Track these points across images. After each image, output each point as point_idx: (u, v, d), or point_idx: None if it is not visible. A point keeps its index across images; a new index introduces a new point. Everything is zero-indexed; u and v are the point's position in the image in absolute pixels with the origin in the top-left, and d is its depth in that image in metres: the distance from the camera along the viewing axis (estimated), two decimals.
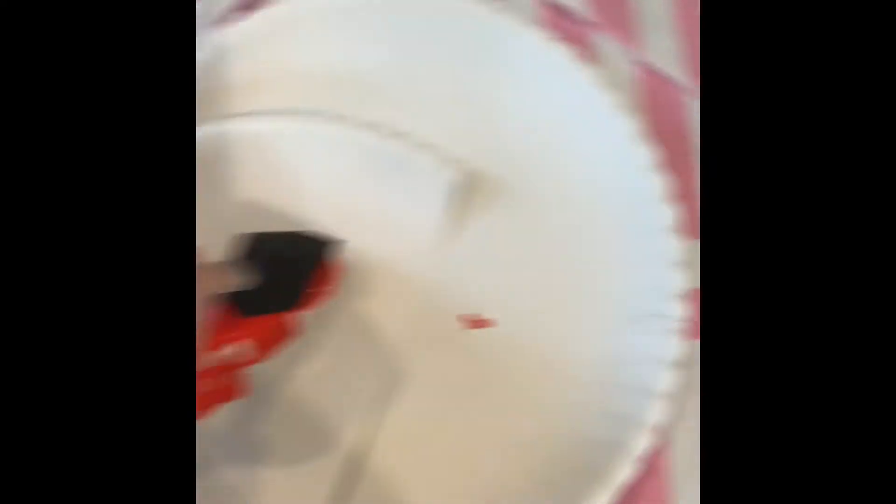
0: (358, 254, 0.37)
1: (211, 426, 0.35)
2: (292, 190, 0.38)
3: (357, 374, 0.37)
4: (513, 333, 0.37)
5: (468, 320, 0.37)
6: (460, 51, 0.40)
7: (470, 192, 0.38)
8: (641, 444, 0.34)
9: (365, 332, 0.37)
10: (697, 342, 0.35)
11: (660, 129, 0.38)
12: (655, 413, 0.34)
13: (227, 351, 0.32)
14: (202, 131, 0.37)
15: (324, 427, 0.36)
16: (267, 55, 0.39)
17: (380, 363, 0.37)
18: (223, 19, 0.40)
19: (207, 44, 0.39)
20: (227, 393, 0.33)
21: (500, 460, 0.36)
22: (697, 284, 0.35)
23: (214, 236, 0.33)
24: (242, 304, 0.31)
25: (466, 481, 0.36)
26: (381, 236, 0.38)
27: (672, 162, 0.37)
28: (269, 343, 0.33)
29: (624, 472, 0.34)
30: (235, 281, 0.30)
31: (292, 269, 0.33)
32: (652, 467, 0.35)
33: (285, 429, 0.36)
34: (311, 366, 0.37)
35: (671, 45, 0.41)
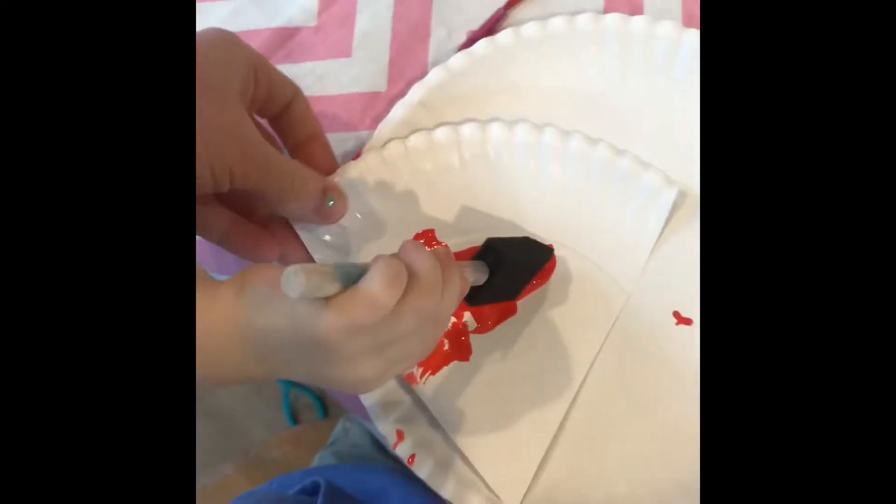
0: (573, 255, 0.42)
1: (436, 383, 0.42)
2: (520, 191, 0.42)
3: (559, 355, 0.41)
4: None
5: (678, 315, 0.41)
6: (675, 80, 0.42)
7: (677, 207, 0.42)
8: None
9: (570, 322, 0.42)
10: None
11: None
12: None
13: (465, 318, 0.41)
14: (439, 133, 0.42)
15: (528, 395, 0.41)
16: (504, 69, 0.44)
17: (581, 346, 0.41)
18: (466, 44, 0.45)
19: (458, 55, 0.44)
20: (455, 354, 0.41)
21: (674, 450, 0.40)
22: None
23: (447, 231, 0.42)
24: (474, 297, 0.36)
25: (644, 463, 0.40)
26: (597, 242, 0.42)
27: None
28: (493, 319, 0.41)
29: None
30: (476, 277, 0.36)
31: (519, 269, 0.38)
32: None
33: (494, 394, 0.41)
34: (523, 343, 0.42)
35: None
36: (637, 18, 0.42)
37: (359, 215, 0.42)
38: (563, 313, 0.42)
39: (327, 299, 0.29)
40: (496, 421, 0.41)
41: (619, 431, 0.40)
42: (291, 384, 1.08)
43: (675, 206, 0.41)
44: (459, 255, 0.42)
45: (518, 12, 0.46)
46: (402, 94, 0.45)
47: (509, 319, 0.42)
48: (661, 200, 0.40)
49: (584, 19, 0.43)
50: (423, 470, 0.40)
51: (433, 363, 0.41)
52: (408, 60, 0.46)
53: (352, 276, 0.29)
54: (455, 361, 0.41)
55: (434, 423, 0.41)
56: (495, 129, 0.42)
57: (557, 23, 0.43)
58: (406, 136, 0.43)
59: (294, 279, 0.27)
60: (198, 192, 0.34)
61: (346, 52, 0.47)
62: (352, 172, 0.42)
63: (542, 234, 0.42)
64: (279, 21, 0.48)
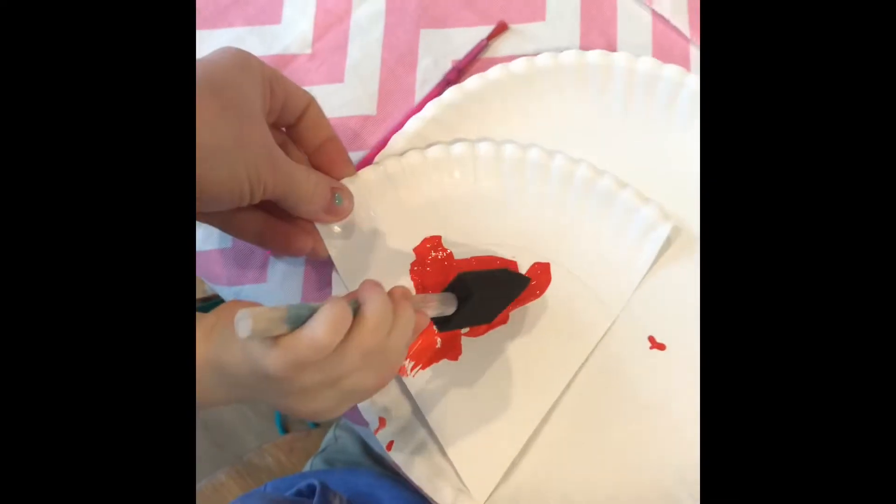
0: (568, 275, 0.45)
1: (424, 377, 0.44)
2: (526, 209, 0.46)
3: (542, 365, 0.44)
4: (675, 361, 0.44)
5: (652, 340, 0.44)
6: (661, 111, 0.46)
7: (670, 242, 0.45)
8: None
9: (556, 336, 0.45)
10: None
11: None
12: None
13: None
14: (456, 148, 0.45)
15: (509, 398, 0.44)
16: (515, 95, 0.47)
17: (564, 360, 0.44)
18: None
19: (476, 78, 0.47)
20: (446, 353, 0.44)
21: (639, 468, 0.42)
22: None
23: (454, 240, 0.45)
24: (444, 324, 0.39)
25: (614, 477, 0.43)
26: (592, 266, 0.45)
27: None
28: (485, 326, 0.44)
29: None
30: (443, 309, 0.39)
31: (490, 300, 0.41)
32: None
33: (477, 393, 0.44)
34: (510, 350, 0.45)
35: None
36: (644, 59, 0.46)
37: (372, 213, 0.45)
38: (552, 327, 0.45)
39: (277, 338, 0.32)
40: (476, 419, 0.43)
41: (582, 446, 0.43)
42: None
43: (668, 241, 0.44)
44: (462, 264, 0.45)
45: (500, 43, 0.49)
46: (392, 118, 0.48)
47: (500, 327, 0.45)
48: (655, 234, 0.44)
49: (594, 55, 0.46)
50: (399, 456, 0.43)
51: (424, 358, 0.44)
52: (396, 87, 0.49)
53: (302, 318, 0.32)
54: (445, 359, 0.44)
55: (416, 413, 0.44)
56: (509, 150, 0.45)
57: (569, 56, 0.47)
58: (425, 148, 0.46)
59: (243, 323, 0.30)
60: (237, 206, 0.38)
61: (338, 78, 0.50)
62: (369, 175, 0.45)
63: (543, 253, 0.45)
64: (277, 49, 0.51)
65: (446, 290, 0.40)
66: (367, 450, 0.63)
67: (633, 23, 0.49)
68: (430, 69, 0.49)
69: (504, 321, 0.45)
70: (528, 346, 0.44)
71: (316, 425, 1.09)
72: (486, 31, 0.49)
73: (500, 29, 0.49)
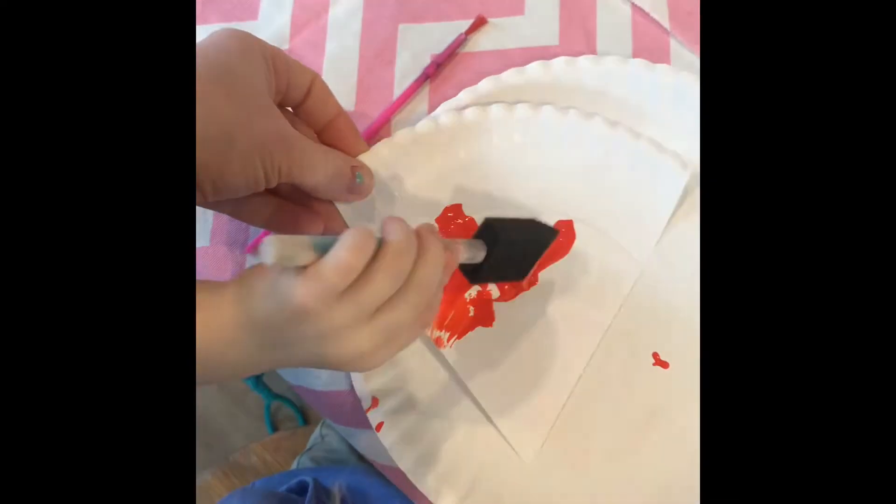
0: (591, 230, 0.45)
1: (461, 346, 0.45)
2: (544, 169, 0.46)
3: (576, 322, 0.45)
4: (677, 379, 0.44)
5: (656, 357, 0.44)
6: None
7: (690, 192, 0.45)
8: None
9: (586, 291, 0.45)
10: None
11: None
12: None
13: (489, 287, 0.45)
14: (444, 118, 0.45)
15: (546, 357, 0.44)
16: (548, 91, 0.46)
17: (596, 313, 0.45)
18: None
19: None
20: (480, 320, 0.45)
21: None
22: None
23: (472, 201, 0.46)
24: (475, 274, 0.38)
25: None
26: (614, 219, 0.45)
27: None
28: (515, 288, 0.45)
29: None
30: (471, 254, 0.37)
31: (519, 249, 0.40)
32: None
33: (514, 356, 0.45)
34: (542, 310, 0.45)
35: None
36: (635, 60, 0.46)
37: (390, 187, 0.45)
38: (581, 283, 0.45)
39: (303, 268, 0.31)
40: (515, 382, 0.44)
41: (584, 455, 0.44)
42: (272, 396, 1.10)
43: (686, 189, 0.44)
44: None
45: (479, 37, 0.49)
46: (370, 113, 0.48)
47: (531, 289, 0.45)
48: (675, 182, 0.44)
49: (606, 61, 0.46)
50: (387, 439, 0.43)
51: (459, 328, 0.45)
52: (374, 82, 0.49)
53: (327, 246, 0.31)
54: (479, 327, 0.45)
55: (410, 398, 0.44)
56: (521, 110, 0.45)
57: (584, 63, 0.46)
58: (436, 117, 0.45)
59: (268, 247, 0.29)
60: (252, 192, 0.37)
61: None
62: (383, 150, 0.45)
63: (564, 210, 0.45)
64: None
65: (474, 237, 0.38)
66: (354, 448, 0.63)
67: (612, 16, 0.48)
68: (408, 64, 0.49)
69: (534, 282, 0.45)
70: (559, 305, 0.45)
71: (305, 423, 1.09)
72: (464, 25, 0.49)
73: (479, 23, 0.49)
